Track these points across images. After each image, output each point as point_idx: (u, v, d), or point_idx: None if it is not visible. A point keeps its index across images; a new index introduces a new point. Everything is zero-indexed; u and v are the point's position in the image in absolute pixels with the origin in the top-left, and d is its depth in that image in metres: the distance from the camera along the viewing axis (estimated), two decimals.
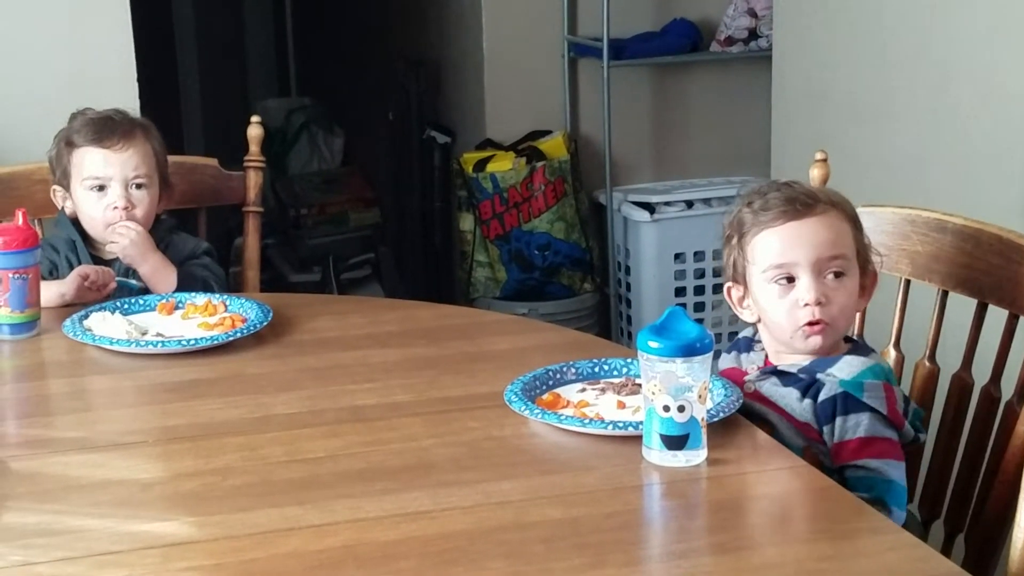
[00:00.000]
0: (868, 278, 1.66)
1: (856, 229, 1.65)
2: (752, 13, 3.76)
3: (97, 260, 2.19)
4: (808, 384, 1.60)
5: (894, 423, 1.57)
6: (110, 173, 2.16)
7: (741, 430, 1.53)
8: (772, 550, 1.29)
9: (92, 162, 2.17)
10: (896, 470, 1.55)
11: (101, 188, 2.17)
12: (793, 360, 1.64)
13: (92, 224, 2.19)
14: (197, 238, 2.31)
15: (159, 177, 2.22)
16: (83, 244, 2.20)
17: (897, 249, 1.85)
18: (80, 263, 2.16)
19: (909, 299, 1.86)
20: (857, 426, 1.56)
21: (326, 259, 4.36)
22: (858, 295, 1.64)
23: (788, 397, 1.60)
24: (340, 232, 4.55)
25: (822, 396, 1.58)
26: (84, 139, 2.18)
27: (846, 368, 1.59)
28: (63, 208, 2.24)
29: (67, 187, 2.21)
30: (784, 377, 1.62)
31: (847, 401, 1.56)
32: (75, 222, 2.22)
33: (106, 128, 2.18)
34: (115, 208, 2.16)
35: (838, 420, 1.56)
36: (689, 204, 3.72)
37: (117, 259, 2.19)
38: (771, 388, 1.62)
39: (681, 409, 1.41)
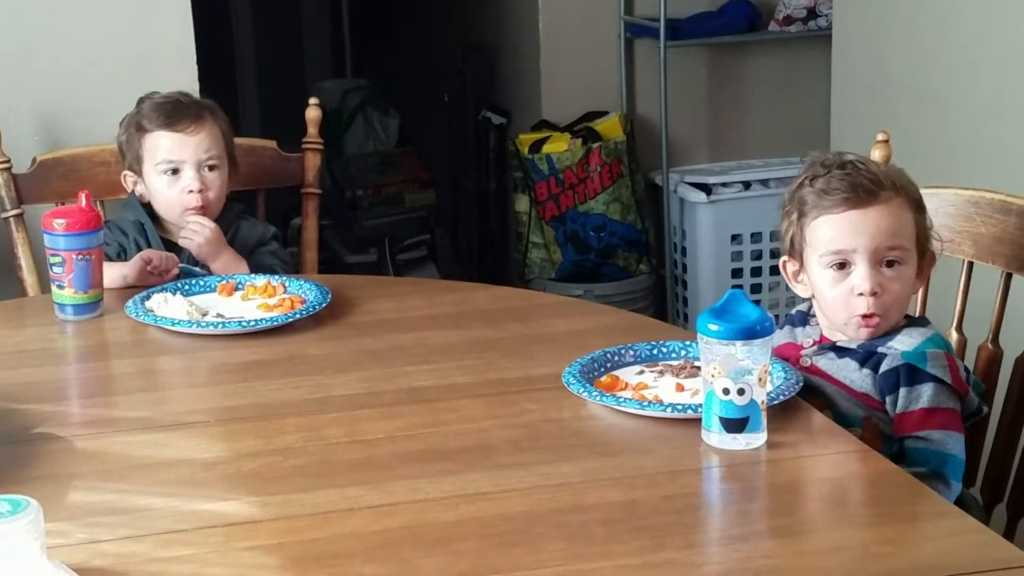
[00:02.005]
0: (926, 260, 1.65)
1: (919, 213, 1.64)
2: None
3: (167, 243, 2.22)
4: (866, 356, 1.60)
5: (958, 391, 1.58)
6: (183, 156, 2.19)
7: (801, 413, 1.52)
8: (833, 534, 1.29)
9: (164, 146, 2.19)
10: (956, 442, 1.56)
11: (175, 172, 2.19)
12: (850, 336, 1.63)
13: (168, 207, 2.21)
14: (264, 223, 2.33)
15: (228, 157, 2.24)
16: (153, 227, 2.22)
17: (960, 231, 1.83)
18: (150, 246, 2.19)
19: (972, 281, 1.83)
20: (920, 396, 1.56)
21: (382, 240, 4.38)
22: (914, 277, 1.63)
23: (847, 368, 1.61)
24: (396, 213, 4.56)
25: (884, 367, 1.58)
26: (155, 123, 2.20)
27: (907, 340, 1.60)
28: (132, 192, 2.26)
29: (139, 172, 2.23)
30: (841, 351, 1.63)
31: (911, 372, 1.57)
32: (145, 206, 2.25)
33: (176, 112, 2.21)
34: (190, 192, 2.18)
35: (902, 391, 1.57)
36: (746, 185, 3.69)
37: None
38: (828, 362, 1.63)
39: (741, 392, 1.40)
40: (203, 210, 2.19)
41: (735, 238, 3.68)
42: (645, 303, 3.80)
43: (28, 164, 2.40)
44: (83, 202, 1.98)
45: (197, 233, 2.16)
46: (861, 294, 1.59)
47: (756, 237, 3.67)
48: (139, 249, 2.17)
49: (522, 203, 3.82)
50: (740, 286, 3.67)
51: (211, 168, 2.20)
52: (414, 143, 4.97)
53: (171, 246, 2.21)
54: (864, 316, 1.60)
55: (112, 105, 2.38)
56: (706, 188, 3.67)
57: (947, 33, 2.68)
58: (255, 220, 2.31)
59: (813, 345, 1.67)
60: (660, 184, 3.78)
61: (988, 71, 2.56)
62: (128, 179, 2.26)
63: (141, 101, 2.26)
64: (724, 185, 3.69)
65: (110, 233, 2.22)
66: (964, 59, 2.63)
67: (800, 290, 1.69)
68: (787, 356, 1.64)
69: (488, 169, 4.17)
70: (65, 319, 1.96)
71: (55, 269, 1.95)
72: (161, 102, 2.23)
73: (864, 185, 1.60)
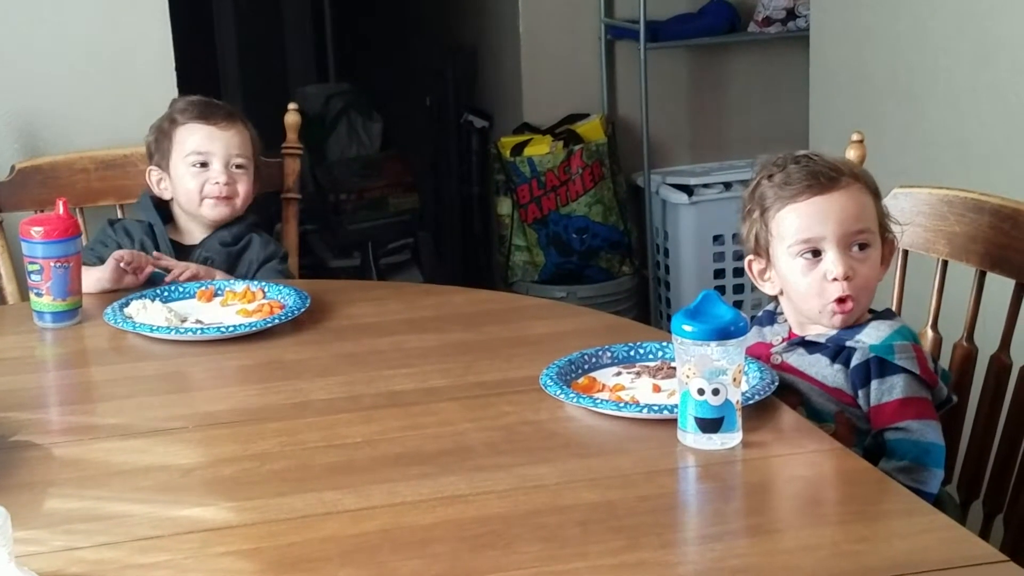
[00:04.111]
0: (887, 247, 1.67)
1: (877, 200, 1.66)
2: None
3: (176, 246, 2.22)
4: (836, 351, 1.61)
5: (927, 382, 1.59)
6: (213, 149, 2.21)
7: (775, 412, 1.53)
8: (806, 532, 1.29)
9: (196, 138, 2.22)
10: (934, 431, 1.57)
11: (203, 164, 2.21)
12: (819, 331, 1.65)
13: (189, 198, 2.22)
14: (277, 243, 2.34)
15: (254, 168, 2.26)
16: (163, 229, 2.23)
17: (934, 230, 1.84)
18: (157, 248, 2.19)
19: (947, 280, 1.84)
20: (893, 388, 1.58)
21: (365, 244, 4.38)
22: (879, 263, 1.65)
23: (818, 364, 1.62)
24: (379, 217, 4.57)
25: (854, 361, 1.60)
26: (188, 116, 2.23)
27: (874, 333, 1.61)
28: (147, 192, 2.26)
29: (165, 167, 2.24)
30: (811, 347, 1.64)
31: (881, 365, 1.58)
32: (158, 207, 2.25)
33: (210, 107, 2.26)
34: (215, 183, 2.19)
35: (874, 384, 1.58)
36: (727, 186, 3.71)
37: (196, 246, 2.23)
38: (798, 358, 1.64)
39: (716, 392, 1.41)
40: (227, 201, 2.20)
41: (717, 239, 3.70)
42: (628, 304, 3.81)
43: (7, 172, 2.40)
44: (61, 209, 1.98)
45: (182, 269, 2.13)
46: (835, 279, 1.61)
47: (738, 237, 3.66)
48: (145, 251, 2.17)
49: (504, 206, 3.83)
50: (723, 286, 3.69)
51: (238, 167, 2.22)
52: (397, 147, 4.97)
53: (179, 249, 2.22)
54: (838, 301, 1.61)
55: (91, 112, 2.39)
56: (687, 189, 3.68)
57: (923, 34, 2.70)
58: (269, 238, 2.32)
59: (782, 342, 1.68)
60: (642, 186, 3.79)
61: (963, 71, 2.58)
62: (153, 175, 2.27)
63: (175, 101, 2.30)
64: (705, 186, 3.70)
65: (112, 235, 2.22)
66: (940, 58, 2.64)
67: (767, 288, 1.71)
68: (757, 355, 1.65)
69: (471, 172, 4.18)
70: (44, 327, 1.96)
71: (33, 277, 1.95)
72: (195, 100, 2.29)
73: (824, 172, 1.62)
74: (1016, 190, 1.83)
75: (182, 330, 1.88)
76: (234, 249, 2.24)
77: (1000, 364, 1.77)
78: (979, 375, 1.81)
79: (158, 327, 1.88)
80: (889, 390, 1.58)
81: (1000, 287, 1.77)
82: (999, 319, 1.76)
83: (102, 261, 2.12)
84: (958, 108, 2.60)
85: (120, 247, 2.18)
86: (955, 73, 2.60)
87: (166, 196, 2.26)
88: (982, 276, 1.80)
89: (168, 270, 2.11)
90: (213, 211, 2.22)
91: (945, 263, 1.84)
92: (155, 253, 2.17)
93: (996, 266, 1.77)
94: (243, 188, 2.23)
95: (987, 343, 1.79)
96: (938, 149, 2.66)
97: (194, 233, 2.26)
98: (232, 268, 2.21)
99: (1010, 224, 1.75)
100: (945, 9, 2.63)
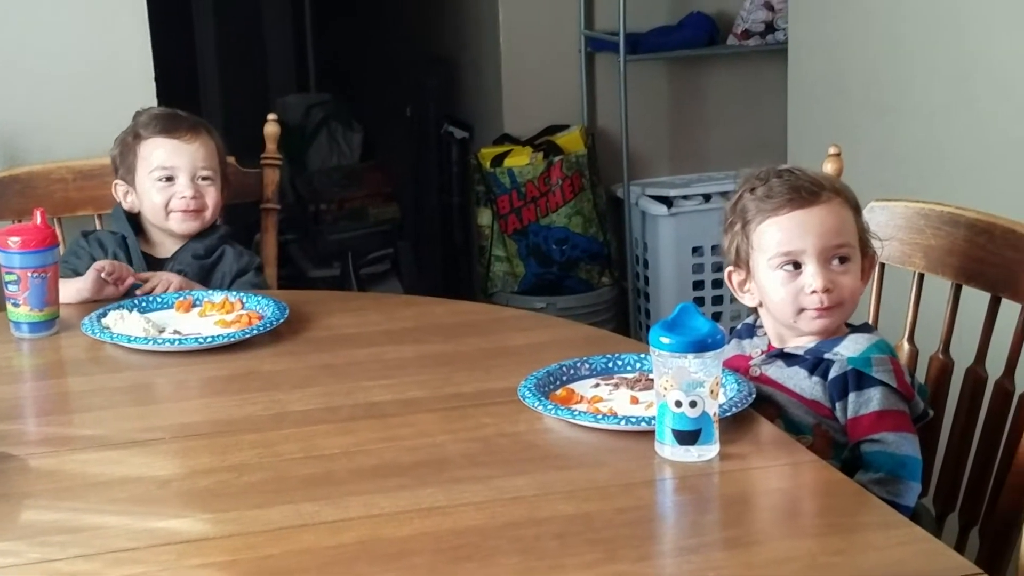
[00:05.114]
0: (867, 261, 1.68)
1: (857, 215, 1.67)
2: (769, 6, 3.75)
3: (148, 259, 2.21)
4: (815, 363, 1.62)
5: (905, 395, 1.60)
6: (178, 163, 2.20)
7: (752, 424, 1.53)
8: (783, 544, 1.30)
9: (160, 153, 2.20)
10: (911, 443, 1.58)
11: (169, 179, 2.20)
12: (797, 343, 1.66)
13: (156, 212, 2.21)
14: (251, 253, 2.32)
15: (221, 175, 2.25)
16: (136, 242, 2.22)
17: (911, 243, 1.85)
18: (130, 261, 2.18)
19: (923, 293, 1.85)
20: (870, 400, 1.58)
21: (345, 255, 4.38)
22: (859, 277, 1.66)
23: (796, 376, 1.63)
24: (359, 227, 4.57)
25: (832, 374, 1.60)
26: (152, 131, 2.22)
27: (852, 346, 1.62)
28: (120, 204, 2.25)
29: (131, 181, 2.23)
30: (790, 359, 1.65)
31: (858, 377, 1.59)
32: (130, 219, 2.24)
33: (174, 121, 2.24)
34: (182, 198, 2.18)
35: (851, 396, 1.59)
36: (707, 197, 3.72)
37: (170, 258, 2.22)
38: (777, 371, 1.65)
39: (693, 404, 1.42)
40: (195, 215, 2.20)
41: (696, 250, 3.71)
42: (608, 315, 3.82)
43: None
44: (38, 219, 1.97)
45: (165, 284, 2.12)
46: (814, 291, 1.61)
47: (717, 249, 3.69)
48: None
49: (484, 217, 3.84)
50: (701, 298, 3.70)
51: (205, 179, 2.21)
52: (377, 157, 4.97)
53: (152, 262, 2.21)
54: (817, 309, 1.62)
55: (69, 122, 2.39)
56: (667, 201, 3.69)
57: (899, 48, 2.72)
58: (242, 249, 2.30)
59: (761, 355, 1.69)
60: (621, 197, 3.80)
61: (940, 83, 2.59)
62: (119, 188, 2.26)
63: (139, 114, 2.28)
64: (685, 198, 3.72)
65: (85, 246, 2.21)
66: (917, 72, 2.66)
67: (747, 299, 1.72)
68: (736, 367, 1.66)
69: (451, 183, 4.19)
70: (21, 337, 1.95)
71: (10, 287, 1.94)
72: (158, 113, 2.27)
73: (805, 186, 1.63)
74: (992, 204, 1.84)
75: (160, 341, 1.87)
76: (207, 262, 2.23)
77: (976, 377, 1.78)
78: (955, 387, 1.81)
79: (136, 338, 1.88)
80: (866, 402, 1.58)
81: (976, 300, 1.78)
82: (975, 332, 1.77)
83: (76, 273, 2.11)
84: (934, 122, 2.61)
85: (93, 259, 2.17)
86: (931, 87, 2.62)
87: (134, 209, 2.25)
88: (958, 289, 1.81)
89: (146, 287, 2.10)
90: (181, 225, 2.21)
91: (921, 276, 1.85)
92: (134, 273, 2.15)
93: (972, 279, 1.78)
94: (211, 200, 2.22)
95: (963, 356, 1.80)
96: (914, 162, 2.68)
97: (165, 245, 2.25)
98: (205, 281, 2.20)
99: (985, 238, 1.76)
100: (921, 25, 2.64)
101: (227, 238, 2.28)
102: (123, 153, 2.24)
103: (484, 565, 1.25)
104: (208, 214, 2.22)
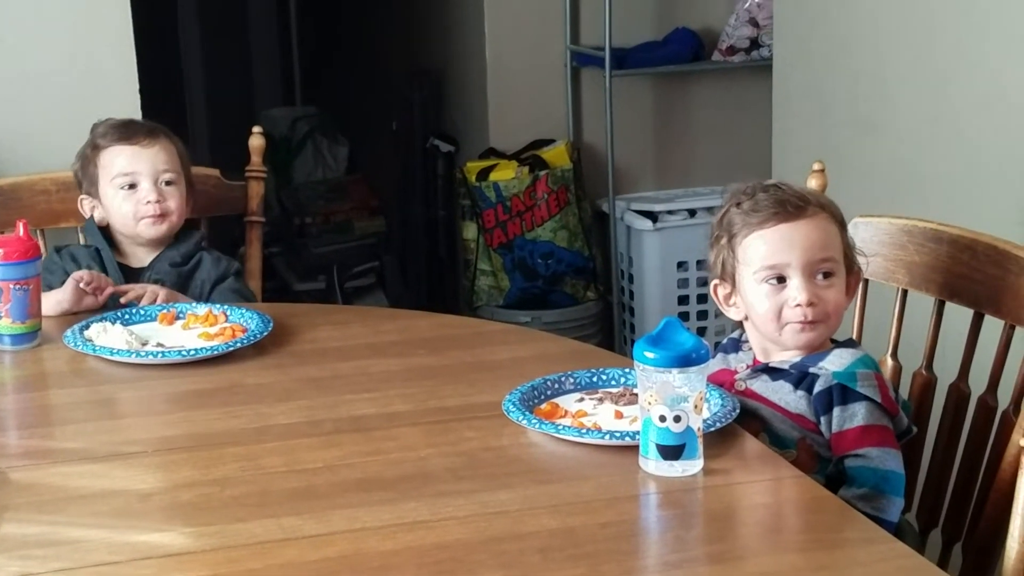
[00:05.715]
0: (853, 276, 1.69)
1: (842, 230, 1.68)
2: (754, 23, 3.76)
3: (124, 269, 2.20)
4: (800, 377, 1.62)
5: (889, 410, 1.60)
6: (139, 168, 2.19)
7: (737, 439, 1.53)
8: (766, 559, 1.30)
9: (121, 161, 2.19)
10: (894, 459, 1.58)
11: (132, 186, 2.19)
12: (783, 357, 1.66)
13: (124, 221, 2.20)
14: (229, 258, 2.31)
15: (185, 178, 2.24)
16: (111, 254, 2.21)
17: (894, 259, 1.86)
18: (107, 273, 2.17)
19: (907, 309, 1.86)
20: (855, 415, 1.59)
21: (331, 268, 4.38)
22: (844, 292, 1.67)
23: (781, 390, 1.63)
24: (344, 241, 4.57)
25: (817, 388, 1.61)
26: (110, 140, 2.21)
27: (837, 360, 1.62)
28: (91, 217, 2.25)
29: (95, 194, 2.22)
30: (775, 373, 1.65)
31: (843, 392, 1.59)
32: (102, 231, 2.23)
33: (131, 127, 2.23)
34: (148, 203, 2.18)
35: (836, 411, 1.59)
36: (692, 213, 3.73)
37: (145, 268, 2.21)
38: (762, 385, 1.65)
39: (677, 419, 1.42)
40: (162, 219, 2.19)
41: (681, 265, 3.71)
42: (593, 330, 3.82)
43: None
44: (21, 231, 1.96)
45: (152, 295, 2.11)
46: (798, 305, 1.62)
47: (702, 264, 3.67)
48: None
49: (470, 230, 3.84)
50: (686, 313, 3.70)
51: (168, 183, 2.20)
52: (363, 170, 4.98)
53: (128, 272, 2.20)
54: (801, 323, 1.63)
55: (53, 133, 2.38)
56: (652, 215, 3.70)
57: (882, 66, 2.73)
58: (219, 255, 2.29)
59: (747, 369, 1.69)
60: (607, 211, 3.81)
61: (923, 100, 2.61)
62: (85, 203, 2.25)
63: (96, 126, 2.27)
64: (670, 212, 3.72)
65: (59, 261, 2.20)
66: (900, 88, 2.67)
67: (732, 313, 1.72)
68: (721, 382, 1.66)
69: (436, 196, 4.19)
70: (3, 349, 1.94)
71: None
72: (115, 122, 2.26)
73: (791, 201, 1.64)
74: (973, 221, 1.85)
75: (143, 353, 1.86)
76: (184, 269, 2.22)
77: (959, 392, 1.78)
78: (938, 403, 1.82)
79: (118, 350, 1.87)
80: (851, 417, 1.59)
81: (959, 316, 1.79)
82: (958, 348, 1.78)
83: (49, 288, 2.10)
84: (917, 139, 2.63)
85: (67, 274, 2.15)
86: (914, 104, 2.63)
87: (103, 223, 2.24)
88: (941, 305, 1.82)
89: (131, 295, 2.10)
90: (150, 230, 2.20)
91: (905, 292, 1.86)
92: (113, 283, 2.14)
93: (955, 295, 1.79)
94: (175, 203, 2.21)
95: (946, 372, 1.80)
96: (898, 179, 2.69)
97: (139, 254, 2.24)
98: (184, 289, 2.19)
99: (968, 254, 1.76)
100: (904, 42, 2.66)
101: (204, 245, 2.27)
102: (84, 166, 2.23)
103: None
104: (175, 217, 2.21)
